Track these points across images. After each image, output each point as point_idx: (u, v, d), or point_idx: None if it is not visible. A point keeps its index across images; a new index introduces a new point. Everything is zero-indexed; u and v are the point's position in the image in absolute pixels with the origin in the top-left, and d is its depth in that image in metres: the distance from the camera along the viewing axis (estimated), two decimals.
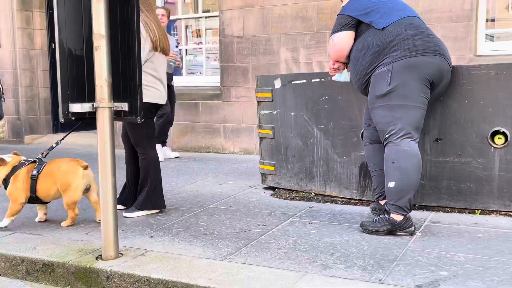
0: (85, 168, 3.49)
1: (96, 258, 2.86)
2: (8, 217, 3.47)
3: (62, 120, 2.82)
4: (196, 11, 7.18)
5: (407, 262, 2.60)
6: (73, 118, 2.85)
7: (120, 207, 3.73)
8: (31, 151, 6.60)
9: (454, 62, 5.13)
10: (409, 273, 2.46)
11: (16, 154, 3.63)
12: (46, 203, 3.65)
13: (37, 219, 3.69)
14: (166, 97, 3.86)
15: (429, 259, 2.63)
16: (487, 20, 5.42)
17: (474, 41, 5.31)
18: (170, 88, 5.77)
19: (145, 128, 3.68)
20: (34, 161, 3.55)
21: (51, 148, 3.61)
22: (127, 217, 3.69)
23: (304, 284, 2.38)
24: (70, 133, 3.81)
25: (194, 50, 7.25)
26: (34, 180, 3.47)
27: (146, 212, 3.75)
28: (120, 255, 2.88)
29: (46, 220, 3.69)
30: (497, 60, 5.13)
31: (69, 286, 2.84)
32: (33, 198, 3.52)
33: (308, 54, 6.04)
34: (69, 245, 3.11)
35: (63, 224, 3.59)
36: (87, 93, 2.87)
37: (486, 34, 5.40)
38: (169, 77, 5.75)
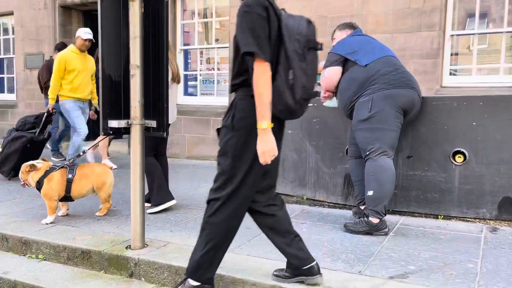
0: (111, 169, 3.73)
1: (126, 248, 2.95)
2: (51, 214, 3.55)
3: (102, 133, 2.93)
4: (209, 41, 7.31)
5: (382, 258, 2.69)
6: (111, 132, 2.95)
7: (146, 204, 3.84)
8: (66, 155, 6.69)
9: (423, 93, 5.26)
10: (383, 266, 2.55)
11: (44, 160, 3.70)
12: (73, 200, 3.70)
13: (60, 213, 3.75)
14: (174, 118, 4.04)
15: (400, 255, 2.72)
16: (452, 54, 5.54)
17: (441, 75, 5.42)
18: None
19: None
20: (63, 167, 3.62)
21: (78, 155, 3.70)
22: (150, 213, 3.78)
23: None
24: (93, 146, 3.90)
25: (207, 75, 7.36)
26: (69, 182, 3.57)
27: (162, 207, 3.79)
28: (145, 245, 2.97)
29: (67, 215, 3.76)
30: (459, 90, 5.27)
31: (103, 271, 2.92)
32: (66, 197, 3.61)
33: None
34: (103, 236, 3.19)
35: (99, 213, 3.72)
36: (123, 112, 2.98)
37: (451, 70, 5.52)
38: None
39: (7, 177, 5.28)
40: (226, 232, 2.19)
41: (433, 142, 3.46)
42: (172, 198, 3.87)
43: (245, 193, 2.14)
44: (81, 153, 3.74)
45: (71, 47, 5.57)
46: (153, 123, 2.97)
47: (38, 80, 7.13)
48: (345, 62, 3.33)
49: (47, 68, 6.84)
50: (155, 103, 2.94)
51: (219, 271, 2.51)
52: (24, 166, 3.55)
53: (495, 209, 3.33)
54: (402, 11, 5.46)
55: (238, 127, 2.08)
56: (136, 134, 2.90)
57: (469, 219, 3.42)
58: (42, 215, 3.72)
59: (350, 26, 3.62)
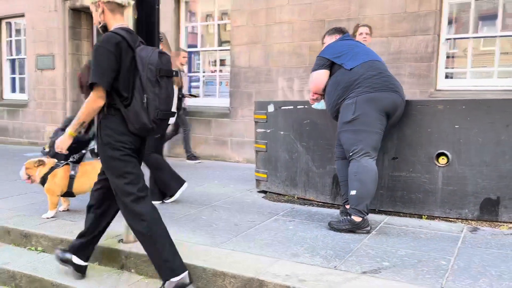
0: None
1: (119, 241, 3.09)
2: (52, 209, 3.70)
3: None
4: (213, 45, 7.44)
5: (359, 254, 2.79)
6: None
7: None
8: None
9: (418, 96, 5.33)
10: (359, 262, 2.65)
11: (48, 157, 3.88)
12: (74, 196, 3.85)
13: (61, 208, 3.90)
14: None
15: (377, 252, 2.82)
16: (449, 57, 5.60)
17: (435, 78, 5.48)
18: None
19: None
20: (67, 163, 3.78)
21: (81, 154, 3.84)
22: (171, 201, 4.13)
23: (277, 267, 2.59)
24: (91, 147, 4.06)
25: (209, 77, 7.50)
26: (72, 179, 3.72)
27: (180, 192, 4.17)
28: (137, 239, 3.11)
29: (68, 210, 3.92)
30: (454, 94, 5.33)
31: (97, 262, 3.07)
32: (68, 193, 3.77)
33: (301, 84, 6.26)
34: None
35: None
36: None
37: (447, 73, 5.58)
38: None
39: None
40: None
41: (417, 144, 3.54)
42: (184, 181, 4.19)
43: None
44: (83, 152, 3.87)
45: None
46: None
47: (79, 80, 6.86)
48: (332, 66, 3.43)
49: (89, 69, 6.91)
50: None
51: (202, 263, 2.64)
52: (32, 162, 3.68)
53: (477, 209, 3.40)
54: (398, 15, 5.53)
55: (106, 142, 2.47)
56: None
57: (452, 219, 3.49)
58: (44, 210, 3.88)
59: (339, 31, 3.72)
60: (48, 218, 3.67)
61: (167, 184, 4.11)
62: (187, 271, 2.44)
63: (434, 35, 5.37)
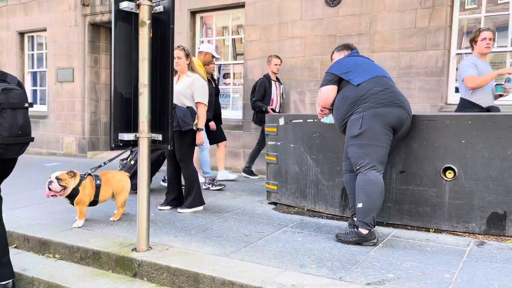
0: (128, 176, 4.01)
1: (132, 250, 3.20)
2: (82, 218, 3.84)
3: (113, 145, 3.21)
4: (227, 58, 7.60)
5: (365, 266, 2.84)
6: (121, 144, 3.23)
7: (167, 207, 4.45)
8: (92, 164, 7.07)
9: (428, 110, 5.37)
10: (364, 274, 2.70)
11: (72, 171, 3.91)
12: (96, 205, 3.97)
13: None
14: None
15: (382, 264, 2.87)
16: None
17: (445, 92, 5.52)
18: None
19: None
20: (90, 174, 3.93)
21: (99, 166, 3.99)
22: (181, 212, 4.28)
23: (283, 277, 2.66)
24: (115, 158, 4.20)
25: (223, 90, 7.64)
26: (98, 188, 3.88)
27: (196, 209, 4.36)
28: (150, 248, 3.22)
29: (86, 219, 4.03)
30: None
31: (111, 270, 3.18)
32: (93, 202, 3.91)
33: (313, 97, 6.35)
34: (113, 239, 3.46)
35: (113, 218, 4.01)
36: (132, 126, 3.26)
37: (456, 87, 5.61)
38: None
39: (135, 191, 4.98)
40: None
41: (424, 158, 3.59)
42: (201, 204, 4.42)
43: None
44: (102, 164, 4.02)
45: (196, 61, 5.51)
46: (159, 137, 3.24)
47: None
48: (340, 81, 3.52)
49: None
50: (161, 118, 3.21)
51: (211, 272, 2.72)
52: (65, 173, 3.73)
53: (484, 223, 3.42)
54: (408, 31, 5.60)
55: None
56: (143, 146, 3.18)
57: (459, 233, 3.52)
58: (62, 219, 4.04)
59: (347, 47, 3.82)
60: (79, 227, 3.79)
61: (193, 195, 4.37)
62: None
63: (444, 50, 5.42)
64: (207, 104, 4.39)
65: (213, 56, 5.64)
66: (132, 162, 5.11)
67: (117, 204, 4.03)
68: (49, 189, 3.68)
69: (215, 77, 6.16)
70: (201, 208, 4.41)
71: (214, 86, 5.87)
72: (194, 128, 4.28)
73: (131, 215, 4.19)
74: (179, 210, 4.33)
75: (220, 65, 7.55)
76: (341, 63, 3.55)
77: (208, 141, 5.64)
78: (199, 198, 4.39)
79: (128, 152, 5.42)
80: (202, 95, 4.33)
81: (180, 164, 4.31)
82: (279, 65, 6.16)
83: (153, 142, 3.27)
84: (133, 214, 4.21)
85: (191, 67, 4.38)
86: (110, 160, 4.05)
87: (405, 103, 3.36)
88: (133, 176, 5.07)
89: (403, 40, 5.64)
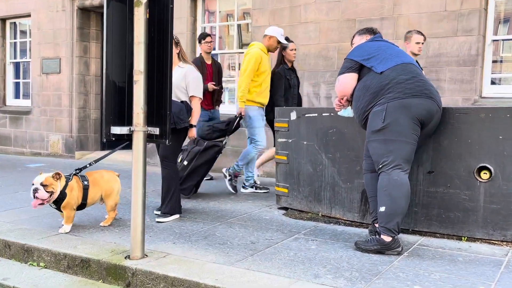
0: (118, 176, 3.96)
1: (125, 258, 3.21)
2: (69, 223, 3.84)
3: (104, 139, 3.23)
4: (232, 47, 7.61)
5: (388, 277, 2.83)
6: (113, 139, 3.25)
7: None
8: (80, 165, 7.11)
9: (460, 104, 5.35)
10: (387, 285, 2.69)
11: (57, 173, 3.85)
12: (83, 208, 3.97)
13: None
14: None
15: (408, 275, 2.85)
16: (496, 61, 5.59)
17: (480, 84, 5.49)
18: None
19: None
20: (75, 174, 3.90)
21: (85, 166, 3.97)
22: (161, 222, 4.16)
23: None
24: (102, 158, 4.13)
25: (228, 82, 7.65)
26: (86, 189, 3.89)
27: (175, 217, 4.26)
28: (145, 256, 3.22)
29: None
30: (502, 101, 5.31)
31: (101, 280, 3.19)
32: (81, 205, 3.92)
33: (328, 89, 6.34)
34: (103, 246, 3.48)
35: (104, 223, 4.02)
36: (126, 118, 3.27)
37: (492, 78, 5.57)
38: None
39: (188, 195, 5.16)
40: None
41: (456, 156, 3.57)
42: (180, 212, 4.33)
43: None
44: (88, 165, 4.00)
45: (259, 45, 5.43)
46: (156, 130, 3.25)
47: None
48: (361, 69, 3.50)
49: None
50: (158, 110, 3.22)
51: (214, 283, 2.73)
52: (50, 177, 3.69)
53: None
54: (437, 14, 5.58)
55: None
56: (138, 141, 3.19)
57: (495, 242, 3.49)
58: (47, 224, 4.06)
59: (370, 31, 3.81)
60: (66, 232, 3.80)
61: (172, 201, 4.28)
62: None
63: (479, 36, 5.39)
64: (202, 97, 4.39)
65: (279, 42, 5.44)
66: (186, 163, 5.05)
67: (107, 208, 4.03)
68: (35, 197, 3.64)
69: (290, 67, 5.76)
70: (178, 216, 4.29)
71: (295, 76, 5.73)
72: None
73: (124, 220, 4.21)
74: (157, 219, 4.17)
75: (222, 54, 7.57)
76: (362, 48, 3.54)
77: (265, 139, 5.49)
78: (179, 205, 4.31)
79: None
80: (197, 89, 4.32)
81: (162, 163, 4.25)
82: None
83: (149, 136, 3.28)
84: (126, 219, 4.23)
85: (182, 57, 4.38)
86: (96, 161, 4.02)
87: (434, 94, 3.35)
88: (188, 178, 5.08)
89: (431, 24, 5.62)
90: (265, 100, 5.49)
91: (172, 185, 4.24)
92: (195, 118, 4.33)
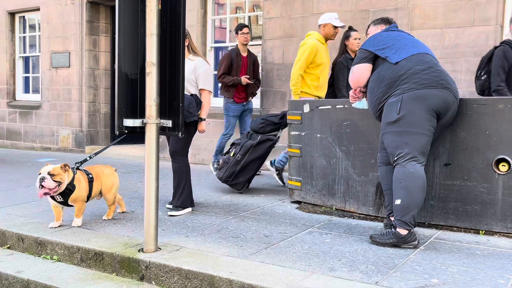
0: (63, 166, 3.80)
1: (139, 251, 3.25)
2: (80, 216, 3.89)
3: (117, 132, 3.26)
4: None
5: (404, 270, 2.83)
6: (126, 131, 3.28)
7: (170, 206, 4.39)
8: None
9: (476, 95, 5.29)
10: (404, 278, 2.69)
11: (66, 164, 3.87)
12: (87, 201, 3.98)
13: (56, 225, 3.89)
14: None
15: (425, 268, 2.85)
16: None
17: None
18: None
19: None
20: (78, 168, 3.93)
21: (85, 160, 3.99)
22: (173, 215, 4.20)
23: (310, 281, 2.67)
24: (104, 149, 4.16)
25: None
26: (91, 182, 3.93)
27: (187, 210, 4.31)
28: (158, 249, 3.26)
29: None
30: None
31: (114, 273, 3.24)
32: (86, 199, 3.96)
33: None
34: (116, 239, 3.52)
35: (107, 216, 4.09)
36: (139, 111, 3.29)
37: None
38: None
39: (240, 190, 5.20)
40: None
41: (473, 148, 3.55)
42: (193, 205, 4.38)
43: None
44: (88, 158, 4.03)
45: (316, 35, 5.26)
46: (168, 123, 3.27)
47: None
48: (375, 59, 3.50)
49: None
50: (171, 103, 3.24)
51: (228, 275, 2.75)
52: (60, 167, 3.71)
53: None
54: (453, 3, 5.53)
55: None
56: (151, 134, 3.21)
57: None
58: None
59: (386, 21, 3.80)
60: (79, 226, 3.86)
61: (184, 195, 4.32)
62: None
63: (496, 25, 5.33)
64: (212, 91, 4.38)
65: (335, 27, 5.19)
66: (239, 157, 5.02)
67: (108, 202, 4.07)
68: (42, 186, 3.63)
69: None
70: (190, 209, 4.35)
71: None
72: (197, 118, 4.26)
73: (135, 214, 4.25)
74: (169, 213, 4.21)
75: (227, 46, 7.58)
76: (377, 38, 3.53)
77: None
78: (190, 198, 4.34)
79: (228, 146, 5.41)
80: (207, 81, 4.31)
81: (172, 157, 4.28)
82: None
83: (161, 129, 3.30)
84: (138, 213, 4.27)
85: (192, 50, 4.38)
86: (96, 154, 4.06)
87: (451, 85, 3.33)
88: (240, 173, 5.06)
89: (447, 15, 5.57)
90: (323, 94, 5.36)
91: (183, 179, 4.27)
92: (204, 112, 4.33)
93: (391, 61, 3.38)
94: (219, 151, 6.45)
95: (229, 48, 6.41)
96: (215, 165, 6.37)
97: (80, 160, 4.00)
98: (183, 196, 4.26)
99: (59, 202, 3.82)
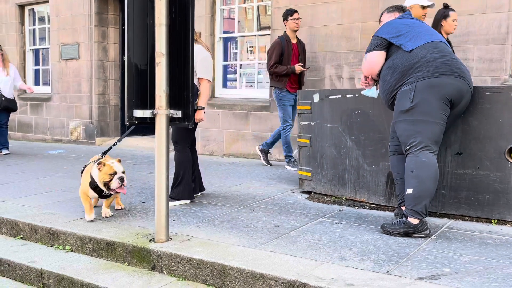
0: (119, 161, 3.86)
1: (150, 241, 3.27)
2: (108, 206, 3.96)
3: (128, 123, 3.27)
4: (251, 30, 7.58)
5: (416, 259, 2.82)
6: (136, 122, 3.29)
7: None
8: (101, 151, 7.22)
9: (489, 83, 5.24)
10: (415, 267, 2.68)
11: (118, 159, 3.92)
12: None
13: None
14: None
15: (436, 258, 2.84)
16: None
17: (510, 62, 5.36)
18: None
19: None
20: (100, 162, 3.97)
21: (110, 148, 4.03)
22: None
23: (321, 270, 2.67)
24: (122, 138, 4.17)
25: (247, 65, 7.64)
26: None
27: (183, 202, 4.28)
28: (169, 239, 3.28)
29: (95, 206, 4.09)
30: None
31: (126, 263, 3.26)
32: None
33: (351, 71, 6.28)
34: (128, 229, 3.54)
35: (117, 206, 4.14)
36: (148, 102, 3.30)
37: None
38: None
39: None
40: None
41: (486, 137, 3.51)
42: (191, 198, 4.35)
43: None
44: (113, 146, 4.08)
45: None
46: (178, 113, 3.27)
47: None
48: (389, 46, 3.46)
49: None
50: (180, 93, 3.24)
51: (239, 265, 2.76)
52: (118, 162, 3.79)
53: None
54: None
55: None
56: (161, 124, 3.22)
57: None
58: (71, 208, 4.15)
59: (400, 8, 3.76)
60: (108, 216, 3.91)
61: (181, 186, 4.32)
62: None
63: (509, 12, 5.25)
64: (211, 79, 4.30)
65: (423, 7, 4.61)
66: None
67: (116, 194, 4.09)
68: (123, 186, 3.72)
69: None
70: (188, 201, 4.31)
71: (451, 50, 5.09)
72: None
73: (146, 205, 4.27)
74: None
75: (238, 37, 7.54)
76: (391, 25, 3.49)
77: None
78: (188, 190, 4.30)
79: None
80: (205, 70, 4.19)
81: (174, 147, 4.26)
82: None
83: (171, 119, 3.30)
84: (149, 204, 4.29)
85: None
86: (119, 140, 4.09)
87: (465, 73, 3.28)
88: None
89: (458, 2, 5.49)
90: None
91: (181, 171, 4.24)
92: (202, 100, 4.21)
93: (405, 48, 3.34)
94: (289, 146, 6.13)
95: (277, 36, 6.14)
96: (291, 164, 6.12)
97: (105, 150, 4.03)
98: (178, 188, 4.26)
99: (107, 196, 3.86)
